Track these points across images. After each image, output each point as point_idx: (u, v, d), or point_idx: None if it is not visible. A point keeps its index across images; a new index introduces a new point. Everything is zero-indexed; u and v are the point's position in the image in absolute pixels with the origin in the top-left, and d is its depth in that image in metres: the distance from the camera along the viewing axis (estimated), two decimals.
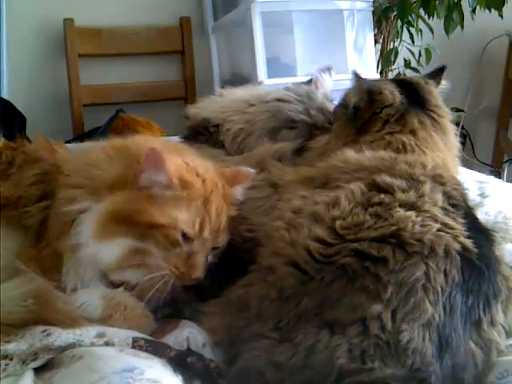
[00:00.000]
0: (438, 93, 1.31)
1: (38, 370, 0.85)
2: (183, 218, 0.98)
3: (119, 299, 1.00)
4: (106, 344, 0.89)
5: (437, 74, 1.35)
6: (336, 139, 1.28)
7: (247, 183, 1.14)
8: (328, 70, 1.59)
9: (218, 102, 1.59)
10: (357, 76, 1.27)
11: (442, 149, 1.21)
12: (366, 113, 1.24)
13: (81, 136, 2.36)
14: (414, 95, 1.26)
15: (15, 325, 0.89)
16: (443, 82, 1.35)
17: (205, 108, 1.57)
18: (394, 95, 1.23)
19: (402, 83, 1.30)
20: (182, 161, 1.04)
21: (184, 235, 0.98)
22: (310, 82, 1.60)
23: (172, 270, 0.98)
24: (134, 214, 0.97)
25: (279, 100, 1.51)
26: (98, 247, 0.98)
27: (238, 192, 1.13)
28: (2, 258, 0.99)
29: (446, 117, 1.27)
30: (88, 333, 0.90)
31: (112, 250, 0.98)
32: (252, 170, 1.14)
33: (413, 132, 1.19)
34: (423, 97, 1.27)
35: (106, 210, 0.99)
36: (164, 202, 0.98)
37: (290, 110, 1.47)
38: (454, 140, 1.27)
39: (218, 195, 1.05)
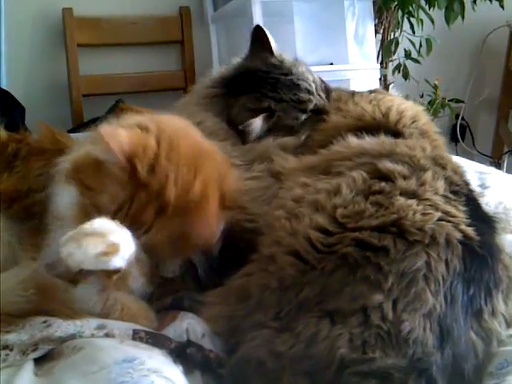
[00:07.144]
0: None
1: (38, 361, 0.85)
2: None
3: (115, 297, 0.97)
4: (107, 335, 0.88)
5: None
6: None
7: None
8: None
9: None
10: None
11: None
12: None
13: (80, 126, 2.35)
14: None
15: (15, 315, 0.89)
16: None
17: None
18: None
19: None
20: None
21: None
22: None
23: None
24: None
25: None
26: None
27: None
28: (3, 249, 0.99)
29: None
30: (88, 324, 0.90)
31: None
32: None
33: None
34: None
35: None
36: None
37: None
38: None
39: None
